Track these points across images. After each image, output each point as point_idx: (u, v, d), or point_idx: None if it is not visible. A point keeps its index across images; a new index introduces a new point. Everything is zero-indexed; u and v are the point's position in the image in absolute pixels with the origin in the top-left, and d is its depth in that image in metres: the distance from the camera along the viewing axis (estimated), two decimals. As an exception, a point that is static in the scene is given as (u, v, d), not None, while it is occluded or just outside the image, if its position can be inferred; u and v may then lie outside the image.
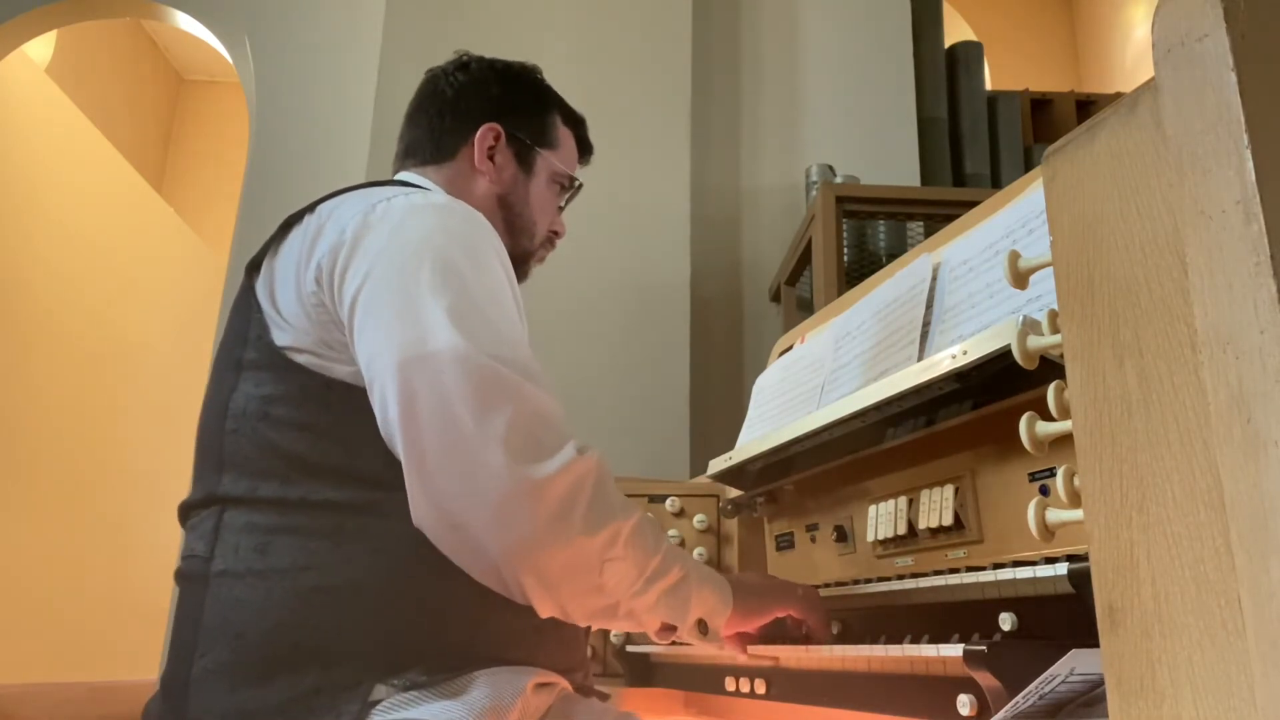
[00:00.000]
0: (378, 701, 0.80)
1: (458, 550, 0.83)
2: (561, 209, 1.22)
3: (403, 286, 0.86)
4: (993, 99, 3.01)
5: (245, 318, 0.95)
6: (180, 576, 0.91)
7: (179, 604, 0.90)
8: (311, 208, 0.98)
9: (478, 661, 0.84)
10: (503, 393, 0.82)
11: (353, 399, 0.87)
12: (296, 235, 0.95)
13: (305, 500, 0.86)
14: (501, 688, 0.83)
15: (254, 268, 0.98)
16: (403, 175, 1.14)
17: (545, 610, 0.85)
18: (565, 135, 1.21)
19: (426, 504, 0.82)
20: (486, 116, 1.13)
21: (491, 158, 1.13)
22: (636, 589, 0.87)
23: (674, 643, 1.00)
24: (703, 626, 0.96)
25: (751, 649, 1.05)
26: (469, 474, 0.79)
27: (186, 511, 0.94)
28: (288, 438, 0.87)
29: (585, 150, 1.25)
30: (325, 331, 0.90)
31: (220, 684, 0.81)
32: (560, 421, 0.85)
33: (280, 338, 0.91)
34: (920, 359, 1.05)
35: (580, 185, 1.22)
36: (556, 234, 1.22)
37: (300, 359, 0.90)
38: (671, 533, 1.54)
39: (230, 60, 3.14)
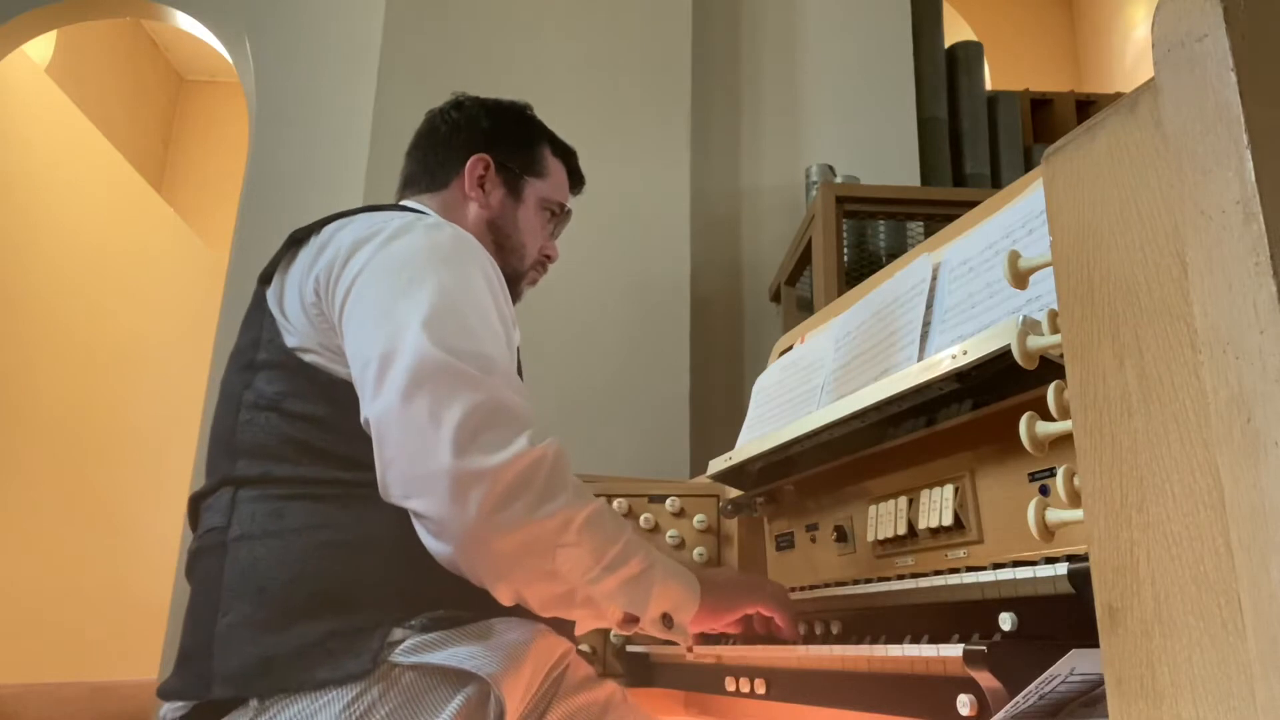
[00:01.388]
0: (396, 643, 0.85)
1: (422, 533, 0.88)
2: (554, 235, 1.29)
3: (383, 293, 0.93)
4: (993, 99, 3.00)
5: (258, 324, 1.03)
6: (197, 554, 0.96)
7: (197, 578, 0.95)
8: (317, 228, 1.05)
9: (486, 611, 0.90)
10: (460, 387, 0.87)
11: (354, 396, 0.93)
12: (303, 253, 1.03)
13: (317, 478, 0.93)
14: (515, 632, 0.88)
15: (265, 279, 1.06)
16: (403, 203, 1.22)
17: (503, 597, 0.89)
18: (555, 166, 1.28)
19: (389, 489, 0.87)
20: (477, 148, 1.22)
21: (481, 185, 1.22)
22: (592, 576, 0.90)
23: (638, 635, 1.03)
24: (668, 620, 0.98)
25: (732, 648, 1.07)
26: (423, 463, 0.85)
27: (199, 500, 1.00)
28: (298, 428, 0.95)
29: (576, 180, 1.33)
30: (325, 336, 0.97)
31: (243, 635, 0.86)
32: (517, 413, 0.89)
33: (290, 340, 0.99)
34: (920, 359, 1.05)
35: (569, 212, 1.30)
36: (549, 257, 1.29)
37: (308, 358, 0.97)
38: (671, 533, 1.54)
39: (230, 60, 3.14)
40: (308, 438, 0.94)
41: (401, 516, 0.88)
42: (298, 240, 1.06)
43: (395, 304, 0.91)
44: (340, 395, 0.94)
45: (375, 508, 0.90)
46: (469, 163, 1.21)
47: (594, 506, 0.90)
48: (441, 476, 0.83)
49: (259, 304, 1.05)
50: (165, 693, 0.91)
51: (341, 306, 0.95)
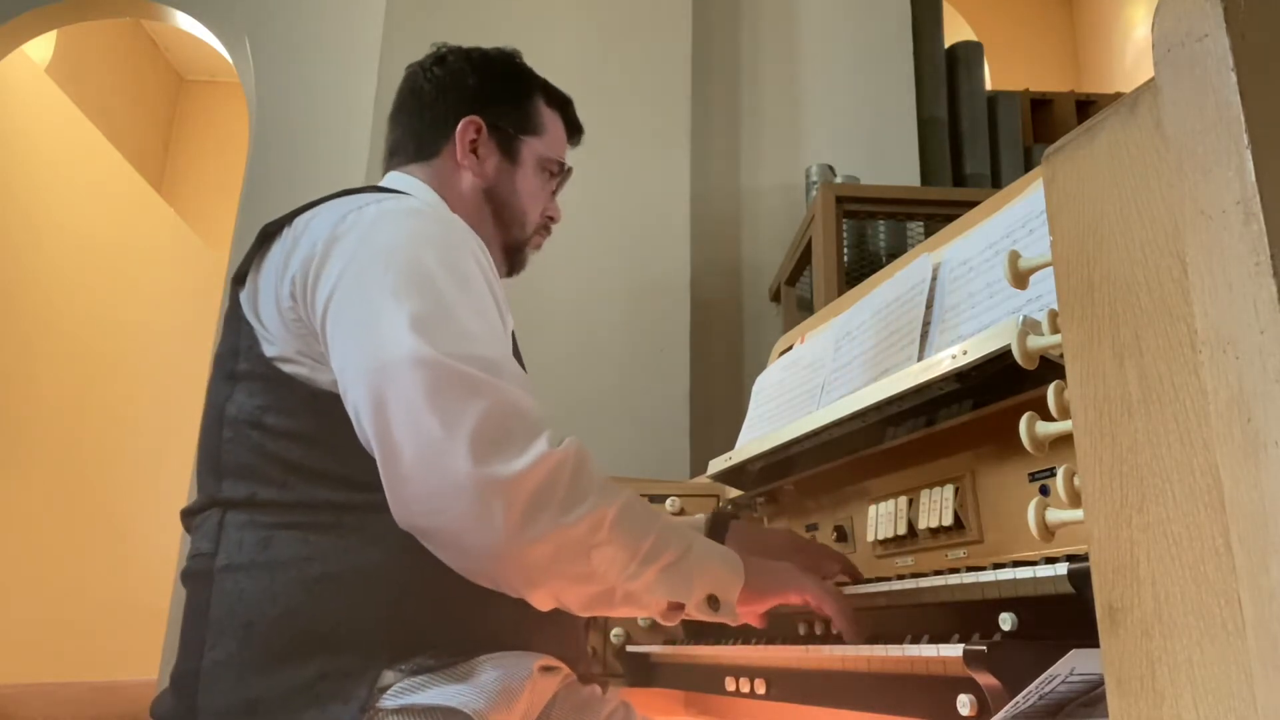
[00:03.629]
0: (386, 687, 0.81)
1: (444, 551, 0.83)
2: (554, 194, 1.20)
3: (368, 295, 0.86)
4: (993, 99, 3.00)
5: (235, 330, 0.96)
6: (186, 576, 0.92)
7: (187, 602, 0.91)
8: (289, 219, 0.98)
9: (482, 646, 0.85)
10: (469, 392, 0.81)
11: (340, 408, 0.87)
12: (276, 249, 0.96)
13: (304, 502, 0.87)
14: (510, 671, 0.84)
15: (239, 280, 0.98)
16: (389, 176, 1.14)
17: (541, 603, 0.85)
18: (550, 118, 1.18)
19: (405, 509, 0.82)
20: (466, 109, 1.12)
21: (474, 151, 1.12)
22: (630, 572, 0.86)
23: (689, 635, 0.99)
24: (714, 602, 0.92)
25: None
26: (440, 477, 0.79)
27: (189, 516, 0.95)
28: (281, 445, 0.89)
29: (574, 131, 1.22)
30: (304, 343, 0.91)
31: (228, 674, 0.83)
32: (531, 416, 0.83)
33: (269, 350, 0.92)
34: (920, 359, 1.05)
35: (570, 169, 1.20)
36: (552, 219, 1.20)
37: (288, 369, 0.91)
38: (671, 533, 1.53)
39: (230, 60, 3.14)
40: (293, 456, 0.88)
41: (395, 548, 0.84)
42: (269, 235, 0.98)
43: (385, 308, 0.84)
44: (325, 408, 0.88)
45: (367, 537, 0.85)
46: (459, 127, 1.11)
47: (622, 501, 0.85)
48: (463, 489, 0.78)
49: (235, 308, 0.97)
50: (156, 714, 0.89)
51: (324, 314, 0.88)
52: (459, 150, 1.12)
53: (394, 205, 0.95)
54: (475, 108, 1.13)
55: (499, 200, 1.13)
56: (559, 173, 1.19)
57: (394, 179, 1.12)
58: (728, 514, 1.19)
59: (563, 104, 1.21)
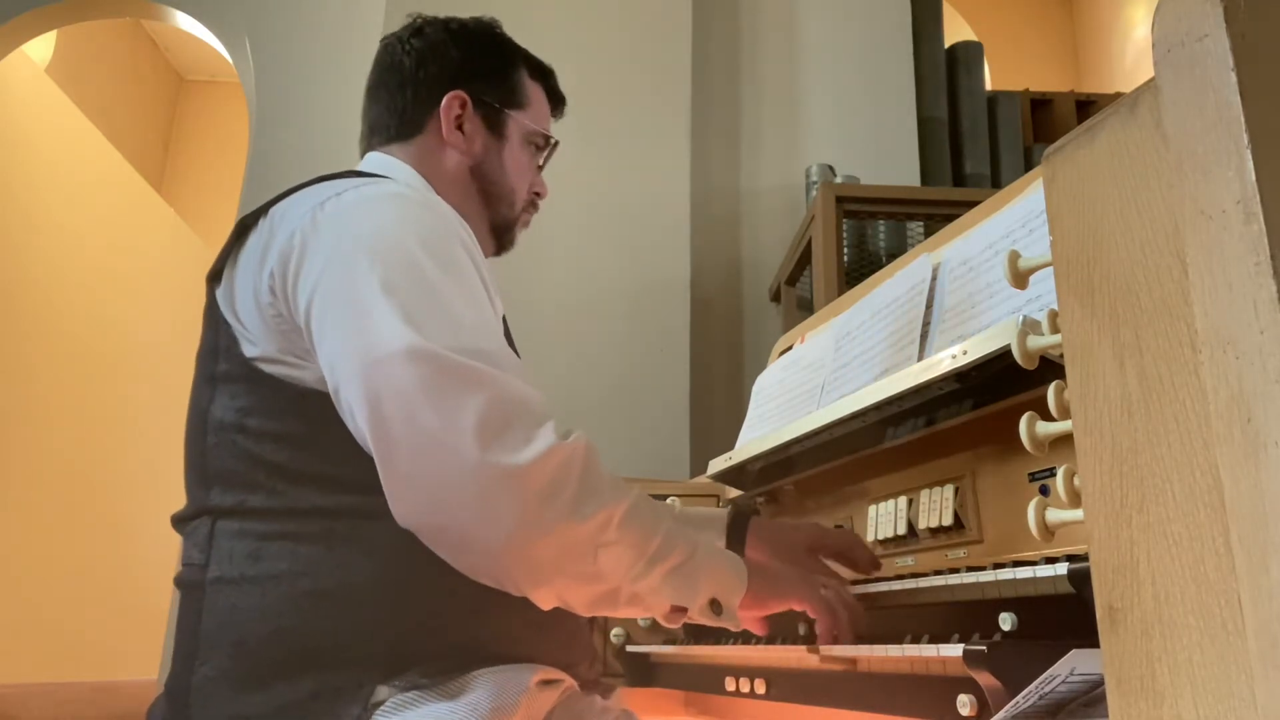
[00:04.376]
0: (379, 704, 0.79)
1: (447, 549, 0.81)
2: (540, 169, 1.17)
3: (354, 289, 0.82)
4: (993, 99, 3.01)
5: (214, 330, 0.92)
6: (180, 584, 0.90)
7: (180, 611, 0.89)
8: (265, 210, 0.94)
9: (479, 660, 0.83)
10: (468, 383, 0.78)
11: (327, 408, 0.84)
12: (253, 241, 0.92)
13: (294, 509, 0.84)
14: (504, 686, 0.82)
15: (215, 277, 0.94)
16: (369, 158, 1.11)
17: (544, 602, 0.83)
18: (534, 90, 1.15)
19: (407, 506, 0.80)
20: (449, 84, 1.08)
21: (460, 127, 1.08)
22: (636, 572, 0.83)
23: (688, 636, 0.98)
24: (716, 606, 0.90)
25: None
26: (444, 471, 0.76)
27: (180, 523, 0.93)
28: (267, 449, 0.86)
29: (557, 102, 1.19)
30: (287, 340, 0.87)
31: (220, 691, 0.81)
32: (535, 406, 0.81)
33: (249, 349, 0.88)
34: (920, 359, 1.05)
35: (556, 143, 1.17)
36: (539, 195, 1.16)
37: (270, 369, 0.87)
38: (671, 533, 1.53)
39: (230, 60, 3.14)
40: (280, 459, 0.85)
41: (389, 557, 0.82)
42: (246, 227, 0.93)
43: (374, 301, 0.80)
44: (312, 408, 0.84)
45: (360, 548, 0.82)
46: (443, 103, 1.07)
47: (631, 499, 0.83)
48: (468, 482, 0.75)
49: (212, 307, 0.92)
50: None
51: (309, 309, 0.84)
52: (444, 127, 1.08)
53: (374, 190, 0.91)
54: (458, 82, 1.08)
55: (486, 178, 1.10)
56: (545, 146, 1.15)
57: (374, 160, 1.09)
58: (748, 510, 1.17)
59: (545, 75, 1.17)
